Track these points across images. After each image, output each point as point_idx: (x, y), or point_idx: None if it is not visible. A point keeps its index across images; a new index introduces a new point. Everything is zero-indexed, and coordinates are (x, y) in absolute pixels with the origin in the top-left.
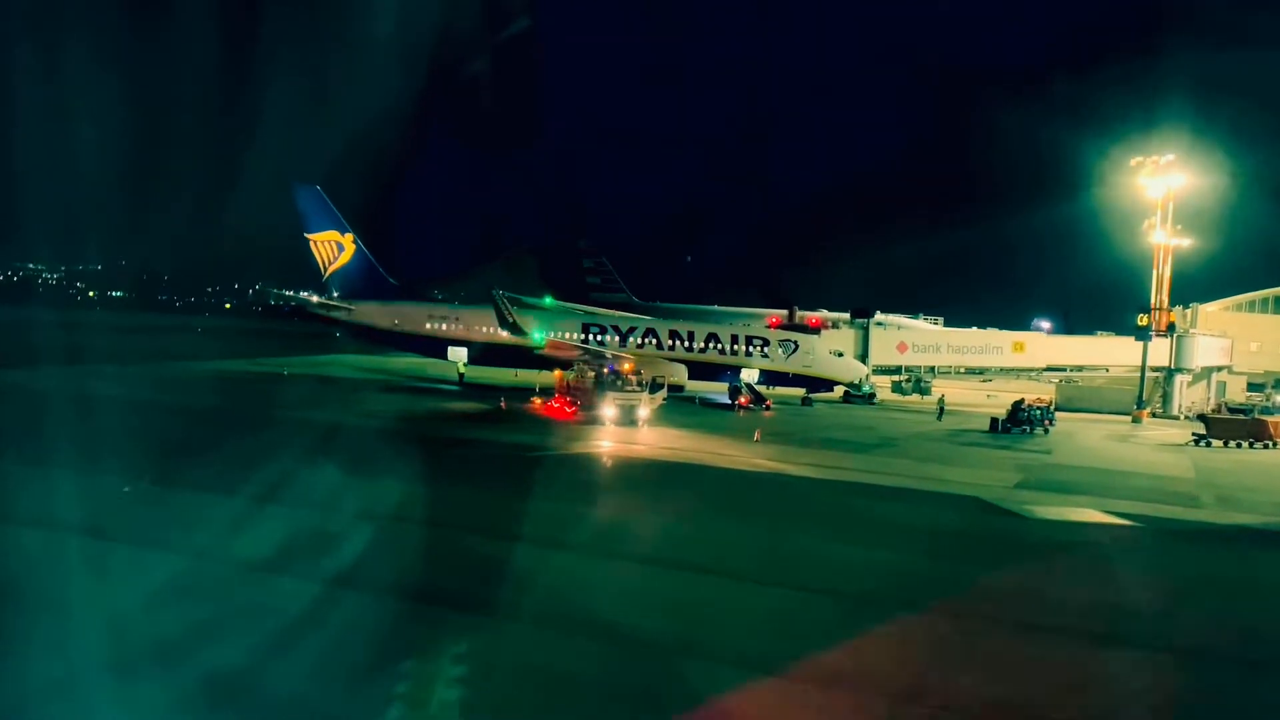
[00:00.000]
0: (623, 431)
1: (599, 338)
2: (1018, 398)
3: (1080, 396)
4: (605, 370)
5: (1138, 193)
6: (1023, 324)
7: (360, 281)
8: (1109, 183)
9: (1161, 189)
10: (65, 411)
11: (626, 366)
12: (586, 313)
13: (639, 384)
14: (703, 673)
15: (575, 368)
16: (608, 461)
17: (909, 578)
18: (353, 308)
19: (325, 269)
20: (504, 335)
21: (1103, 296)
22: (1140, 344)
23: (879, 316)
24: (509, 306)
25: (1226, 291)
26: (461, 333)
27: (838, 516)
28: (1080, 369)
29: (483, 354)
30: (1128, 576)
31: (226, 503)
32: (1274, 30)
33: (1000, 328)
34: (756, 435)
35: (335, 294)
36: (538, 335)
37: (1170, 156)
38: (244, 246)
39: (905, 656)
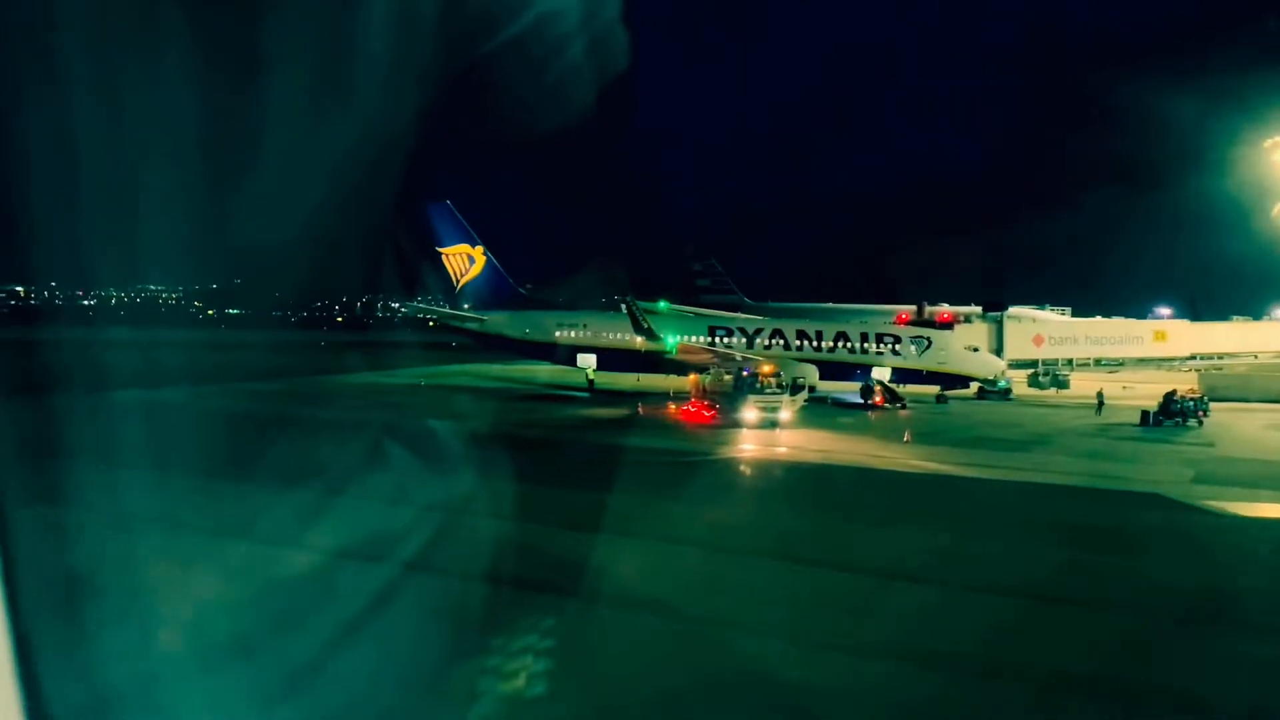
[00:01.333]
0: (768, 435)
1: (726, 340)
2: (1169, 389)
3: (1226, 385)
4: (744, 373)
5: (1268, 172)
6: (1143, 312)
7: (490, 292)
8: (1235, 163)
9: None
10: (274, 433)
11: (766, 369)
12: (713, 316)
13: (779, 386)
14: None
15: (712, 371)
16: (769, 467)
17: (1145, 583)
18: (484, 318)
19: (457, 281)
20: (638, 341)
21: (1233, 281)
22: None
23: (1011, 310)
24: (643, 312)
25: None
26: (589, 339)
27: (1023, 519)
28: (1222, 357)
29: (610, 360)
30: None
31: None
32: None
33: (1121, 315)
34: (906, 436)
35: (466, 305)
36: (670, 340)
37: None
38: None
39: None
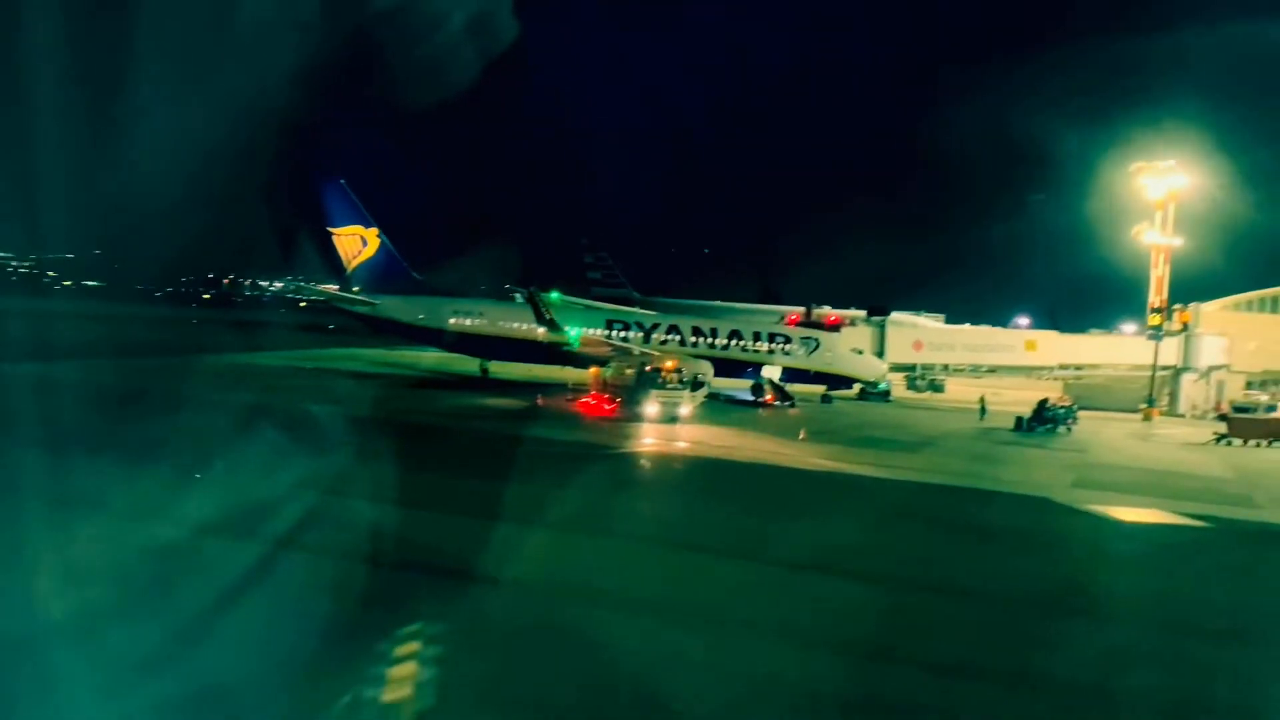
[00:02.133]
0: (669, 430)
1: (623, 334)
2: (1035, 396)
3: (1087, 395)
4: (648, 368)
5: (1131, 193)
6: (1006, 320)
7: (383, 276)
8: (1099, 181)
9: (1162, 190)
10: (166, 414)
11: (669, 364)
12: (610, 309)
13: (680, 382)
14: None
15: (614, 364)
16: (671, 461)
17: (1038, 579)
18: (376, 302)
19: (349, 263)
20: (539, 331)
21: (1091, 294)
22: (1150, 343)
23: (893, 315)
24: (546, 303)
25: (1214, 291)
26: (485, 328)
27: (933, 519)
28: (1080, 368)
29: (506, 349)
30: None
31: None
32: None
33: (988, 324)
34: (801, 434)
35: (356, 288)
36: (573, 332)
37: (1171, 162)
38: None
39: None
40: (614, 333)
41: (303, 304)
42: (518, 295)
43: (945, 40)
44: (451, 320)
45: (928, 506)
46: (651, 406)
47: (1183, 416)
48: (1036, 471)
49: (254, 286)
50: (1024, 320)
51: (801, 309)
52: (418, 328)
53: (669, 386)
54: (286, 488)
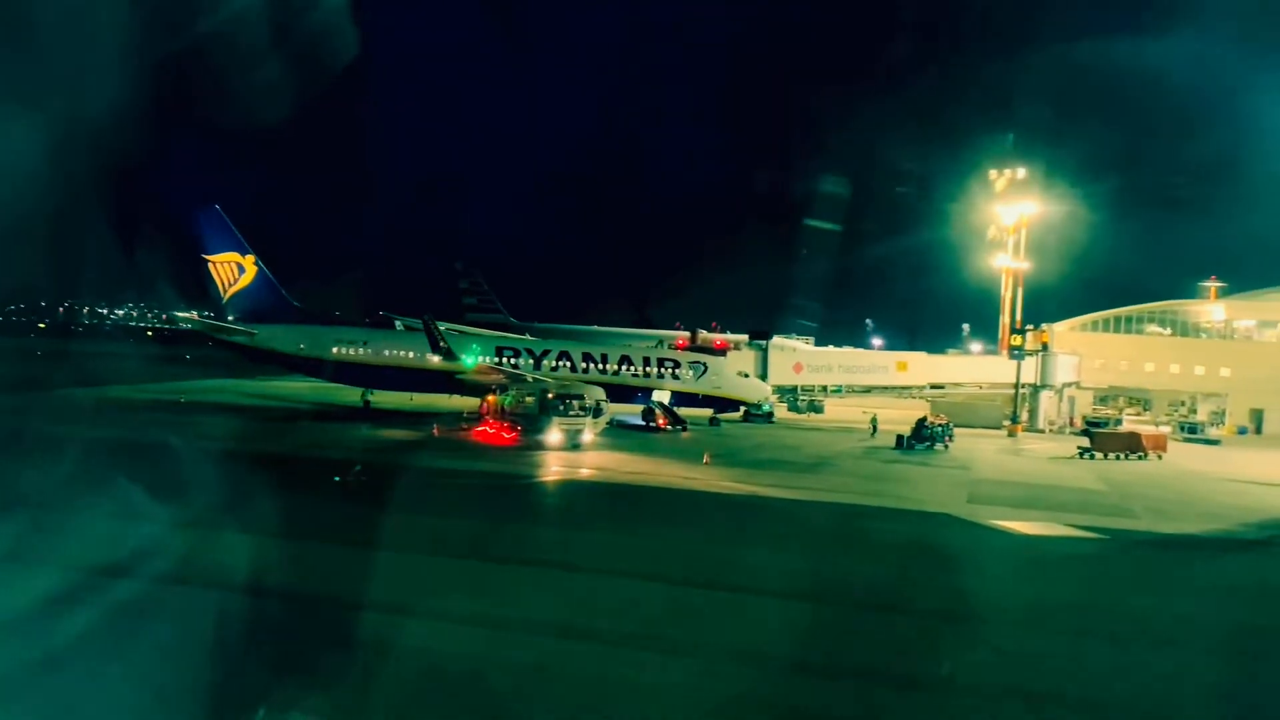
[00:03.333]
0: (575, 457)
1: (514, 361)
2: (902, 414)
3: (951, 412)
4: (550, 395)
5: (982, 220)
6: (861, 342)
7: (262, 304)
8: (953, 208)
9: (1013, 216)
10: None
11: (571, 391)
12: (498, 336)
13: (582, 409)
14: None
15: (512, 392)
16: (600, 490)
17: (951, 591)
18: (255, 331)
19: (225, 291)
20: (435, 360)
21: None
22: (1011, 362)
23: (774, 339)
24: (440, 331)
25: (1058, 312)
26: (369, 357)
27: (851, 539)
28: (941, 386)
29: (393, 379)
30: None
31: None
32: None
33: (846, 346)
34: (706, 458)
35: (232, 317)
36: (469, 360)
37: (1023, 172)
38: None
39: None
40: (504, 359)
41: (150, 334)
42: (398, 323)
43: (805, 66)
44: (335, 349)
45: (843, 527)
46: (554, 434)
47: (1042, 431)
48: (931, 488)
49: (93, 315)
50: (878, 342)
51: (686, 333)
52: (300, 358)
53: (570, 413)
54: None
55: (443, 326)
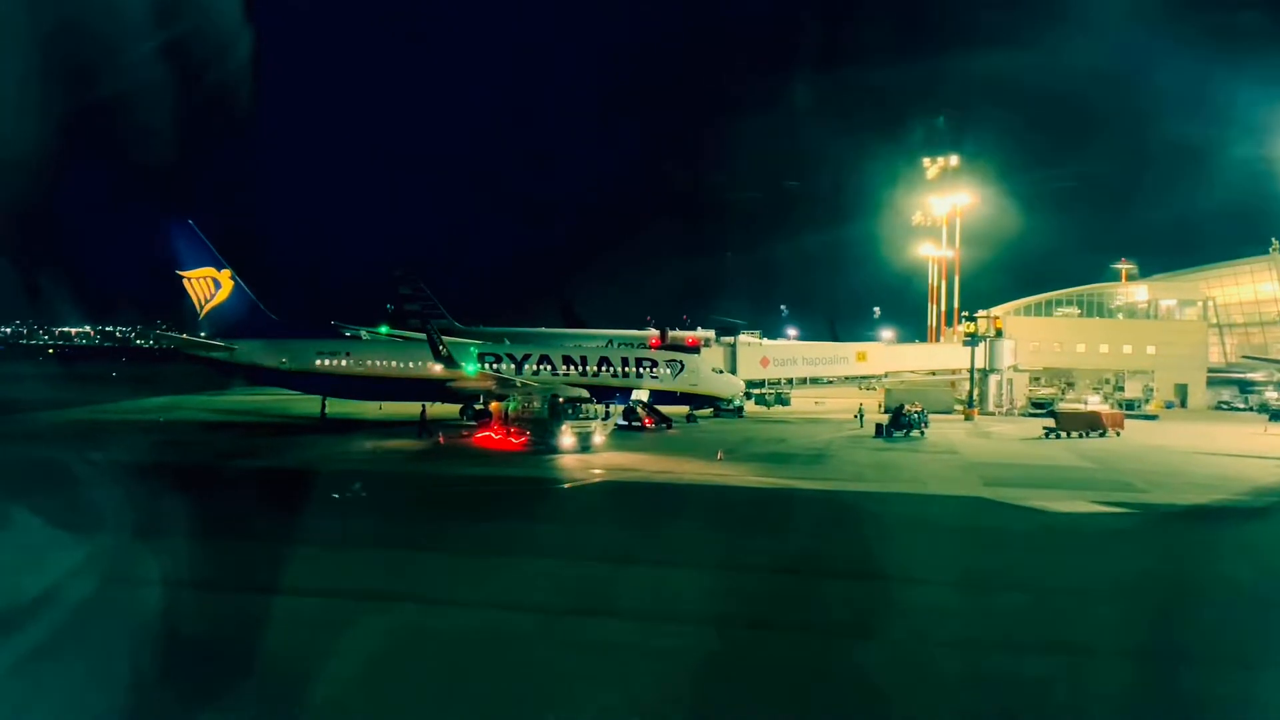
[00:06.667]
0: (593, 458)
1: (495, 366)
2: (857, 402)
3: (906, 399)
4: (560, 399)
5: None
6: (778, 333)
7: (239, 319)
8: (868, 200)
9: (946, 206)
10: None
11: (576, 395)
12: (478, 343)
13: (591, 412)
14: None
15: (518, 397)
16: (644, 491)
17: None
18: (235, 347)
19: (201, 307)
20: (437, 369)
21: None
22: (961, 348)
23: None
24: (442, 339)
25: (985, 298)
26: (354, 368)
27: (914, 524)
28: (885, 375)
29: (376, 389)
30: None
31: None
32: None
33: (770, 338)
34: (719, 455)
35: (208, 333)
36: (471, 367)
37: (955, 160)
38: None
39: None
40: (487, 365)
41: (50, 351)
42: (363, 333)
43: (731, 57)
44: (318, 362)
45: (899, 515)
46: (566, 437)
47: (992, 414)
48: (938, 473)
49: (163, 337)
50: (793, 332)
51: (656, 331)
52: (282, 371)
53: (581, 416)
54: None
55: (385, 333)
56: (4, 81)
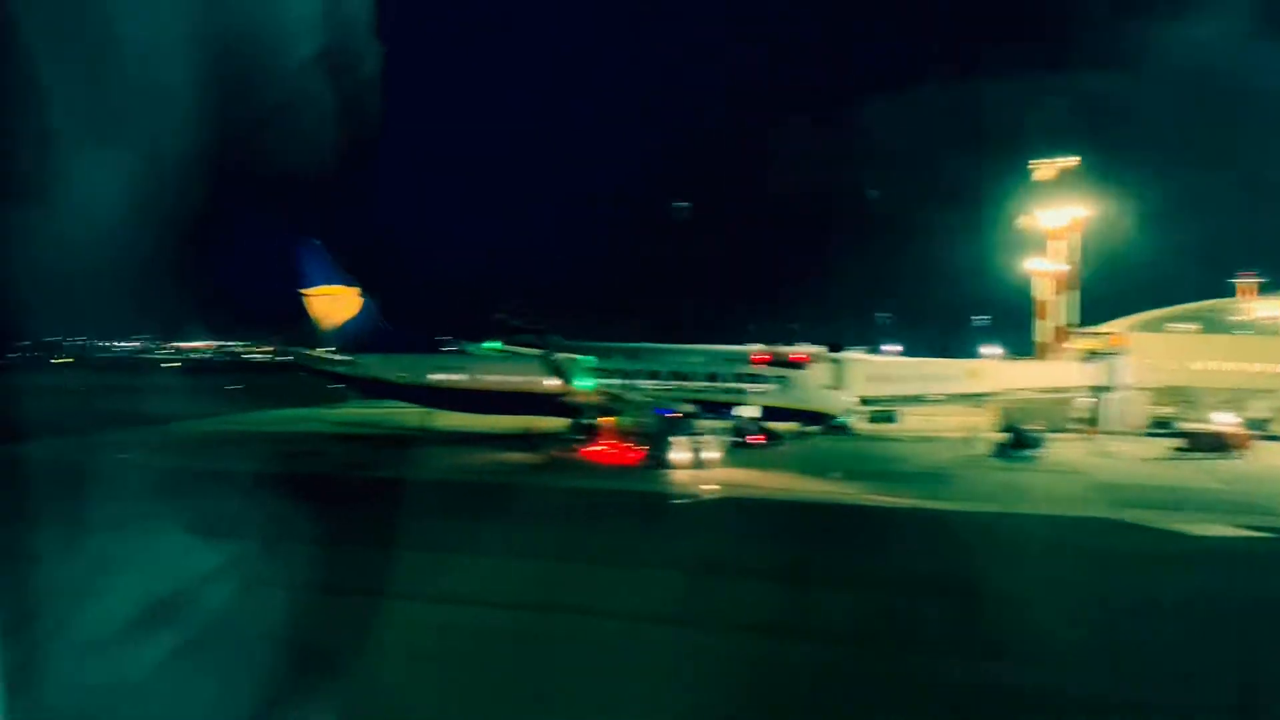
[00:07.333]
0: (712, 474)
1: (605, 380)
2: (969, 420)
3: (1022, 417)
4: (670, 414)
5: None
6: (876, 348)
7: (361, 335)
8: (982, 204)
9: (1061, 217)
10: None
11: (689, 410)
12: (591, 358)
13: (707, 428)
14: None
15: (631, 412)
16: (764, 508)
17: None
18: (357, 361)
19: (324, 324)
20: (556, 384)
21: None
22: (1078, 365)
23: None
24: (558, 355)
25: (1092, 313)
26: (467, 382)
27: (1063, 548)
28: (989, 396)
29: (488, 403)
30: None
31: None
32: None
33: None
34: (837, 473)
35: (330, 348)
36: (585, 382)
37: (1070, 165)
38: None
39: None
40: (599, 379)
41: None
42: (475, 348)
43: (830, 60)
44: (434, 377)
45: (1036, 536)
46: (680, 452)
47: (1111, 434)
48: (1072, 494)
49: (289, 352)
50: (891, 347)
51: (761, 346)
52: (400, 385)
53: (697, 432)
54: None
55: (494, 348)
56: (150, 98)
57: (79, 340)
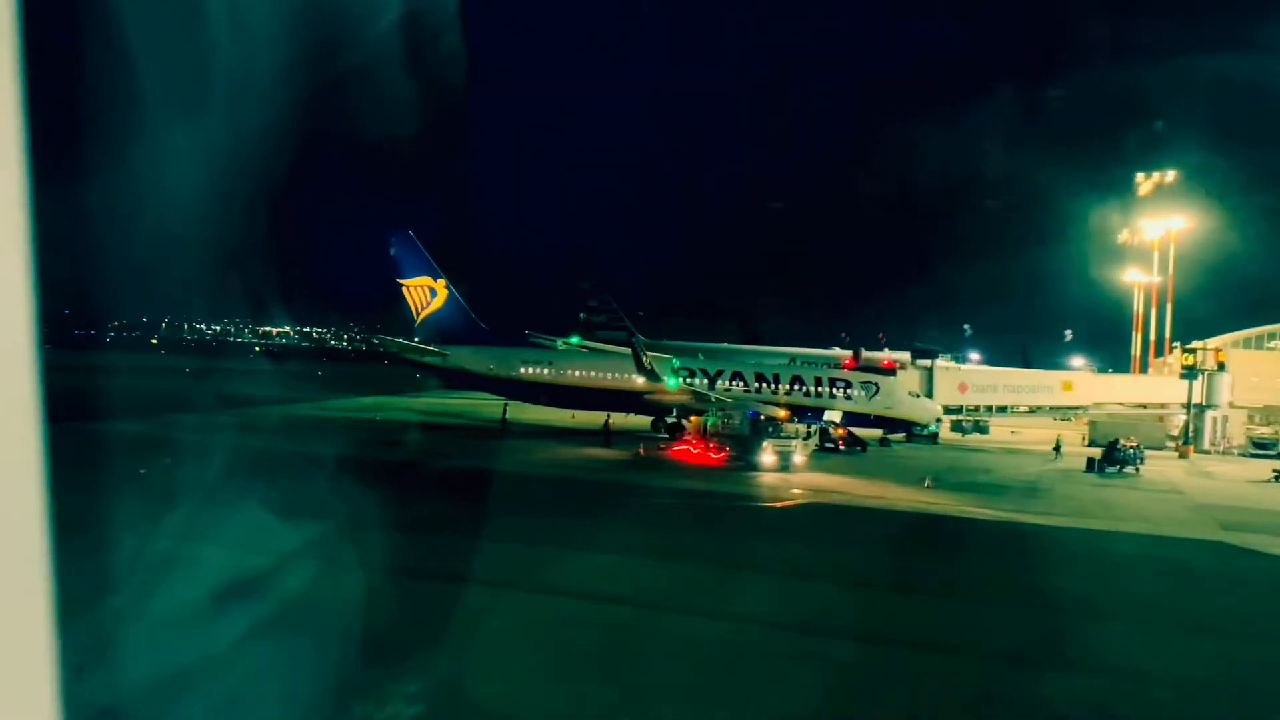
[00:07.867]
0: (799, 478)
1: (689, 380)
2: (1055, 434)
3: (1115, 432)
4: (763, 416)
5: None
6: (961, 356)
7: (452, 326)
8: (1078, 214)
9: (1159, 228)
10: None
11: (781, 414)
12: (676, 356)
13: (793, 431)
14: None
15: (718, 414)
16: (854, 515)
17: None
18: (447, 353)
19: (418, 314)
20: (640, 381)
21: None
22: (1175, 381)
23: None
24: (646, 352)
25: (1193, 329)
26: (553, 377)
27: (1166, 569)
28: (1083, 409)
29: (573, 397)
30: None
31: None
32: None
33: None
34: (926, 482)
35: (422, 338)
36: (672, 381)
37: (1171, 175)
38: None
39: None
40: (682, 380)
41: (258, 349)
42: (559, 342)
43: (922, 65)
44: (522, 369)
45: (1138, 556)
46: (767, 455)
47: (1208, 452)
48: (1171, 514)
49: (385, 341)
50: (975, 357)
51: (848, 351)
52: (489, 377)
53: (783, 435)
54: None
55: (575, 343)
56: (239, 84)
57: (166, 321)
